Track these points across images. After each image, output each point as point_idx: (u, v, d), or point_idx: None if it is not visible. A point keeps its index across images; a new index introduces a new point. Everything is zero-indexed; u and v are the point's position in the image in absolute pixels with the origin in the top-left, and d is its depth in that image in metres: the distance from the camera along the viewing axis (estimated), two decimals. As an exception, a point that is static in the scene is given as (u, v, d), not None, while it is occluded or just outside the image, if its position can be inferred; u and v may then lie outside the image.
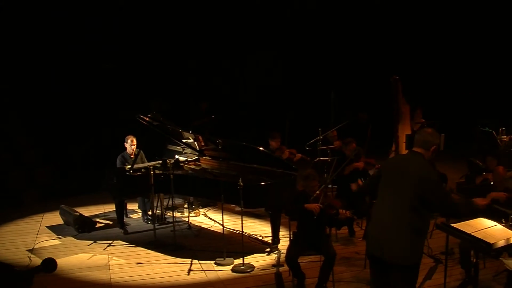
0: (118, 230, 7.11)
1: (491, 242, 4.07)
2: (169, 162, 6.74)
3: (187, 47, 10.98)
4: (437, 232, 5.55)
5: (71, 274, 5.78)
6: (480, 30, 11.81)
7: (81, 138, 10.00)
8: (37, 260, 6.13)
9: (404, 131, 6.88)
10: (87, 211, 7.85)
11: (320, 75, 11.69)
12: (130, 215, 7.89)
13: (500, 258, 4.57)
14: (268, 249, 6.29)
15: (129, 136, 7.39)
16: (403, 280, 3.71)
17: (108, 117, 9.97)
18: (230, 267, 5.81)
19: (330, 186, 6.94)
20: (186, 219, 7.42)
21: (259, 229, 7.17)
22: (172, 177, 6.38)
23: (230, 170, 6.88)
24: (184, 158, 7.52)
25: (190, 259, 6.03)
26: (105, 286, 5.50)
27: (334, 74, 11.58)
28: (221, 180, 6.22)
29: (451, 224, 4.45)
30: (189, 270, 5.76)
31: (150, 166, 6.75)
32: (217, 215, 7.71)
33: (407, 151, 3.92)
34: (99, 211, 8.10)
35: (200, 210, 8.01)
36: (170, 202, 7.26)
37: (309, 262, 5.47)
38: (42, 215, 8.03)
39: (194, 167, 7.32)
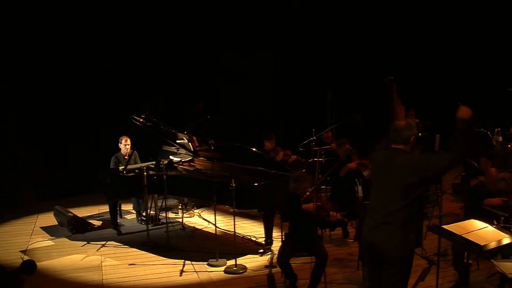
0: (112, 231, 7.10)
1: (482, 244, 4.05)
2: (162, 162, 6.71)
3: (187, 47, 10.96)
4: (431, 233, 5.53)
5: (63, 275, 5.78)
6: (475, 30, 11.77)
7: (79, 138, 9.98)
8: (30, 261, 6.15)
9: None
10: (82, 212, 7.85)
11: (317, 76, 11.66)
12: (125, 216, 7.88)
13: (491, 260, 4.55)
14: (262, 250, 6.28)
15: (123, 137, 7.38)
16: (396, 276, 3.69)
17: (107, 117, 9.95)
18: (223, 268, 5.80)
19: (323, 187, 6.93)
20: (180, 220, 7.40)
21: (253, 230, 7.15)
22: (165, 178, 6.36)
23: (224, 171, 6.87)
24: (179, 159, 7.50)
25: (183, 260, 6.02)
26: (97, 287, 5.48)
27: (330, 74, 11.55)
28: (213, 181, 6.20)
29: (443, 226, 4.44)
30: (182, 271, 5.75)
31: (144, 166, 6.73)
32: (211, 216, 7.66)
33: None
34: (94, 211, 8.09)
35: (195, 211, 8.00)
36: (164, 203, 7.25)
37: (302, 263, 5.44)
38: (36, 215, 8.02)
39: (188, 167, 7.31)
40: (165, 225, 6.75)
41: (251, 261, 6.01)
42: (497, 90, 11.29)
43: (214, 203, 6.17)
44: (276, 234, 6.44)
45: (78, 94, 10.01)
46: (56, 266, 5.99)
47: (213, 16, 10.95)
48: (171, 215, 7.75)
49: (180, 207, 7.89)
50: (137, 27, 10.30)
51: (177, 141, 7.43)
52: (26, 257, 6.19)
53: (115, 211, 7.15)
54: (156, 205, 7.61)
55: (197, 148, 7.31)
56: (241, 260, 5.95)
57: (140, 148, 7.60)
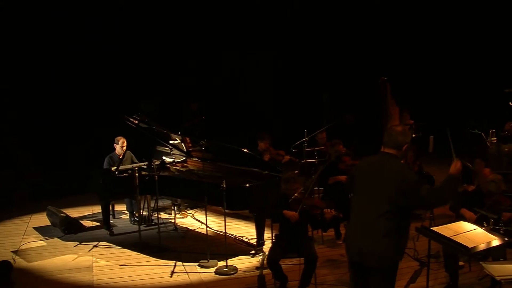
0: (105, 231, 7.08)
1: (470, 246, 4.03)
2: (154, 163, 6.70)
3: (187, 47, 10.95)
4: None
5: (54, 275, 5.76)
6: (469, 32, 11.77)
7: (75, 139, 9.96)
8: (21, 262, 6.13)
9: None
10: (75, 212, 7.83)
11: (313, 77, 11.64)
12: (120, 216, 7.86)
13: (480, 263, 4.52)
14: (253, 251, 6.26)
15: (120, 137, 7.35)
16: (382, 281, 3.67)
17: (105, 117, 9.93)
18: (214, 269, 5.77)
19: (316, 188, 6.90)
20: (173, 221, 7.39)
21: (246, 231, 7.12)
22: (156, 178, 6.35)
23: (217, 171, 6.85)
24: (172, 159, 7.48)
25: (174, 261, 6.00)
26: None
27: (326, 76, 11.54)
28: (204, 182, 6.18)
29: (431, 228, 4.42)
30: (172, 272, 5.72)
31: (136, 167, 6.71)
32: (204, 217, 7.67)
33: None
34: (87, 212, 8.07)
35: (188, 211, 7.98)
36: (156, 204, 7.24)
37: (292, 265, 5.42)
38: (30, 216, 8.00)
39: (180, 168, 7.29)
40: (157, 226, 6.73)
41: (243, 262, 5.99)
42: (493, 91, 11.27)
43: (205, 204, 6.14)
44: (268, 235, 6.42)
45: (78, 94, 10.01)
46: (47, 266, 5.98)
47: (213, 16, 10.95)
48: (164, 215, 7.74)
49: (173, 207, 7.87)
50: (137, 27, 10.29)
51: (170, 142, 7.41)
52: (17, 258, 6.19)
53: (107, 212, 7.14)
54: (149, 205, 7.60)
55: (190, 149, 7.29)
56: (232, 261, 5.93)
57: (134, 148, 7.58)
